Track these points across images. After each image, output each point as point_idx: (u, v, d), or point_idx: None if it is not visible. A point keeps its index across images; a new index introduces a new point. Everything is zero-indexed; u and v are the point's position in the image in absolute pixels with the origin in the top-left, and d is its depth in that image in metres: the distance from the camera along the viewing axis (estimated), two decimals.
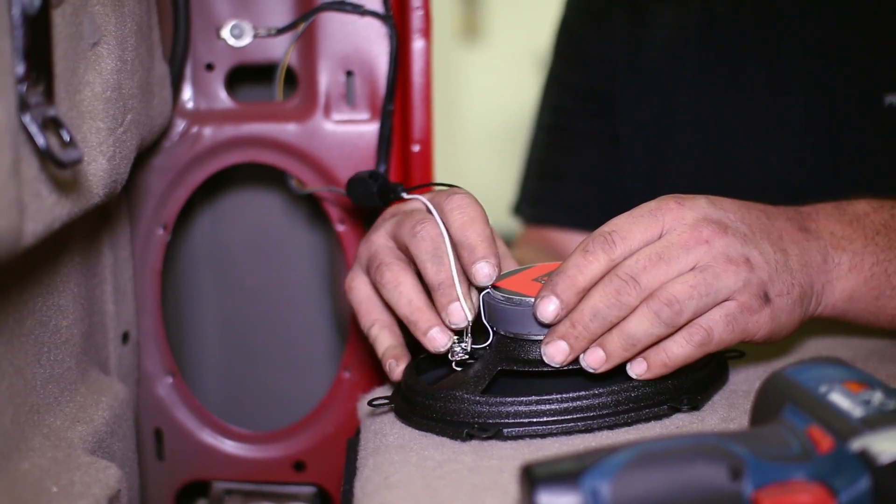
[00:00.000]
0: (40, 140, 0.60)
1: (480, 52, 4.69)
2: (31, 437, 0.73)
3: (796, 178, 1.14)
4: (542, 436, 0.71)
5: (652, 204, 0.74)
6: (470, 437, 0.72)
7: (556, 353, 0.72)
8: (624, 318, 0.71)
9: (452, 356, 0.76)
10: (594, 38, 1.28)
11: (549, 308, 0.72)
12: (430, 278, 0.76)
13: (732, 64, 1.17)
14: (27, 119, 0.59)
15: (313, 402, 1.09)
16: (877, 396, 0.55)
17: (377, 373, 0.98)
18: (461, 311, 0.75)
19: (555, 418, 0.72)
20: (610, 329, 0.72)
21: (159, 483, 1.07)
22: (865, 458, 0.51)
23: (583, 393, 0.72)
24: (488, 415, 0.72)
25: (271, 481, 1.08)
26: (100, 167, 0.76)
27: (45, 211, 0.64)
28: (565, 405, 0.72)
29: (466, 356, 0.76)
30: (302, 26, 1.00)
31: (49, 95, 0.63)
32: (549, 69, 1.36)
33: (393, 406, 0.78)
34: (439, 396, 0.74)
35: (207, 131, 1.02)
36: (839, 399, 0.55)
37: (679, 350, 0.71)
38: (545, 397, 0.72)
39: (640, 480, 0.52)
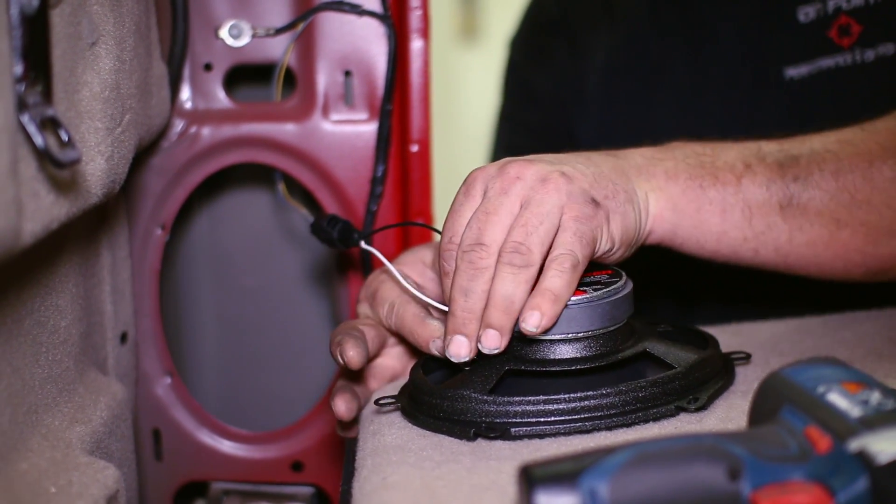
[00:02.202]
0: (38, 140, 0.60)
1: (479, 53, 4.68)
2: (29, 437, 0.73)
3: None
4: (550, 435, 0.71)
5: (460, 188, 0.76)
6: (477, 436, 0.72)
7: (458, 349, 0.73)
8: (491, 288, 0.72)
9: None
10: (541, 74, 1.28)
11: (461, 352, 0.73)
12: (421, 345, 0.79)
13: (658, 73, 1.17)
14: (25, 119, 0.59)
15: (311, 402, 1.09)
16: (874, 396, 0.55)
17: None
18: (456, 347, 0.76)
19: (562, 418, 0.71)
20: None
21: (157, 483, 1.07)
22: (863, 459, 0.51)
23: (590, 393, 0.72)
24: (496, 414, 0.72)
25: (269, 482, 1.08)
26: (98, 167, 0.76)
27: (43, 211, 0.64)
28: (573, 405, 0.71)
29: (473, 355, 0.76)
30: (300, 26, 1.00)
31: (47, 95, 0.63)
32: (501, 109, 1.36)
33: (399, 405, 0.78)
34: (446, 395, 0.73)
35: (206, 131, 1.02)
36: (837, 399, 0.55)
37: (557, 281, 0.72)
38: (553, 397, 0.72)
39: (639, 481, 0.52)
